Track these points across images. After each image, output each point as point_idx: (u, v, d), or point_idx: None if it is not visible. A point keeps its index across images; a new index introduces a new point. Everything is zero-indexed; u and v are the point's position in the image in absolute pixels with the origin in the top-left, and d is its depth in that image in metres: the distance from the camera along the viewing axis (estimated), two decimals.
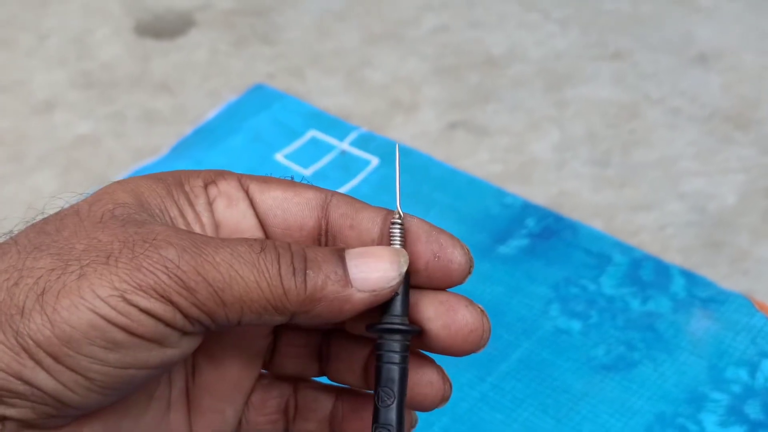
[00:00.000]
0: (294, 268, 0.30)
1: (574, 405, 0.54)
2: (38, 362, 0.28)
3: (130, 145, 0.76)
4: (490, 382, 0.56)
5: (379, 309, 0.32)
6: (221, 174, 0.34)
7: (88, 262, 0.28)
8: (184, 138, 0.75)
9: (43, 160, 0.75)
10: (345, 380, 0.36)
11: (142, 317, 0.28)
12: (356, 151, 0.72)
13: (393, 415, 0.31)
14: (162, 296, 0.28)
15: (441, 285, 0.33)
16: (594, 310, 0.59)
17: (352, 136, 0.73)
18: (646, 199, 0.69)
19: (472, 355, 0.57)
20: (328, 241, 0.33)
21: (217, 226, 0.33)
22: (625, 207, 0.68)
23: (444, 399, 0.34)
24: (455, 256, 0.32)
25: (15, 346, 0.28)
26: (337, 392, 0.36)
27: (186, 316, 0.29)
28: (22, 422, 0.29)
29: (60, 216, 0.31)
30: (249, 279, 0.29)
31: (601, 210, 0.68)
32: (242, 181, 0.34)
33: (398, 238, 0.32)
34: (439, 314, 0.32)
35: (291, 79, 0.83)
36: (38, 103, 0.81)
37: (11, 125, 0.79)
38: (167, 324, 0.29)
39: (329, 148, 0.73)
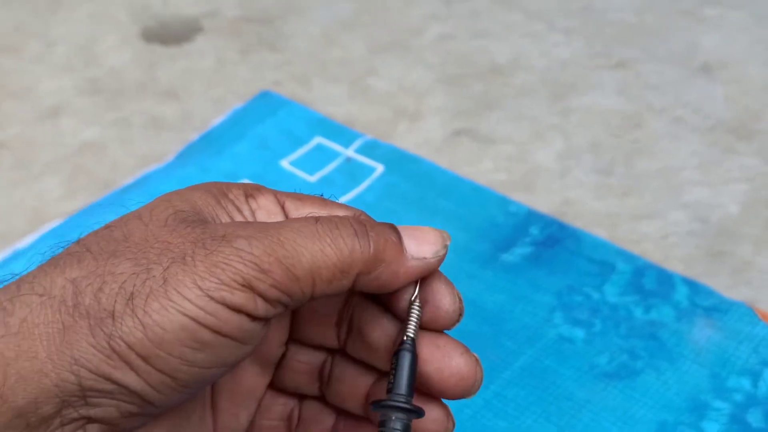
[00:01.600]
0: (355, 230, 0.32)
1: (577, 413, 0.55)
2: (129, 363, 0.29)
3: (136, 152, 0.77)
4: (493, 390, 0.56)
5: (387, 387, 0.33)
6: (258, 188, 0.35)
7: (168, 264, 0.29)
8: (190, 144, 0.75)
9: (49, 166, 0.75)
10: (344, 404, 0.36)
11: (229, 314, 0.29)
12: (361, 158, 0.72)
13: None
14: (243, 285, 0.29)
15: (427, 327, 0.34)
16: (597, 319, 0.60)
17: (358, 143, 0.74)
18: (649, 208, 0.69)
19: None
20: None
21: None
22: (629, 216, 0.69)
23: None
24: (443, 304, 0.34)
25: (106, 348, 0.28)
26: (339, 409, 0.37)
27: (266, 299, 0.30)
28: (104, 422, 0.29)
29: (123, 222, 0.32)
30: (315, 249, 0.31)
31: (604, 218, 0.69)
32: (278, 196, 0.35)
33: (414, 321, 0.33)
34: (434, 358, 0.33)
35: (297, 86, 0.83)
36: (45, 110, 0.81)
37: (18, 131, 0.80)
38: (250, 315, 0.30)
39: (335, 155, 0.73)
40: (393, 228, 0.33)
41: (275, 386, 0.37)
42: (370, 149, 0.73)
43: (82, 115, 0.81)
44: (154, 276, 0.29)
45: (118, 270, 0.29)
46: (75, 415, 0.29)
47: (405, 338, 0.33)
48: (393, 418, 0.32)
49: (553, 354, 0.58)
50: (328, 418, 0.37)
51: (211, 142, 0.75)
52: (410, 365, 0.32)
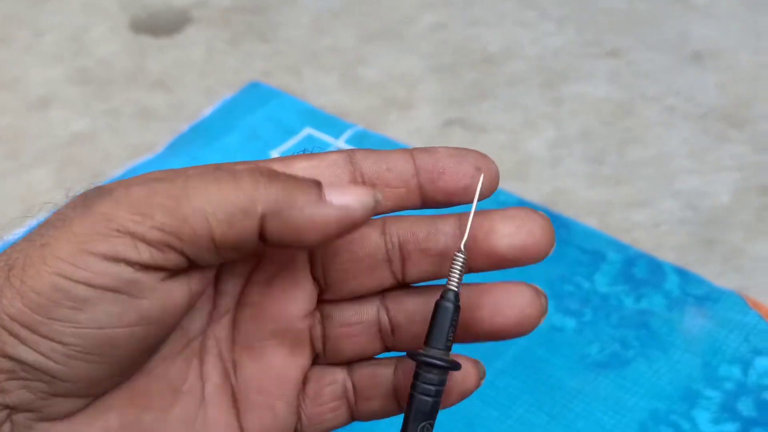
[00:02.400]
0: (261, 172, 0.29)
1: (568, 402, 0.55)
2: (15, 336, 0.28)
3: (126, 142, 0.76)
4: (485, 379, 0.56)
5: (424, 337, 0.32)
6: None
7: (48, 231, 0.29)
8: (180, 135, 0.75)
9: (39, 157, 0.75)
10: (415, 345, 0.34)
11: (103, 265, 0.28)
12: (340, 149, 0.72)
13: None
14: (118, 231, 0.28)
15: (485, 196, 0.33)
16: (588, 308, 0.60)
17: (348, 133, 0.74)
18: (640, 196, 0.69)
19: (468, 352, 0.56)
20: None
21: None
22: (620, 205, 0.69)
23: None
24: (491, 164, 0.33)
25: None
26: (396, 361, 0.35)
27: (149, 243, 0.28)
28: (26, 409, 0.29)
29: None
30: (209, 187, 0.28)
31: (595, 207, 0.68)
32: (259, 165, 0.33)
33: (456, 275, 0.32)
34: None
35: (287, 76, 0.83)
36: (34, 100, 0.81)
37: (7, 122, 0.79)
38: (132, 263, 0.28)
39: (325, 145, 0.73)
40: (314, 181, 0.29)
41: (330, 361, 0.34)
42: (360, 139, 0.73)
43: (71, 106, 0.80)
44: (34, 244, 0.28)
45: (18, 246, 0.29)
46: (0, 409, 0.28)
47: (447, 290, 0.32)
48: (428, 372, 0.32)
49: (545, 344, 0.58)
50: (385, 377, 0.34)
51: (201, 132, 0.75)
52: (451, 318, 0.31)
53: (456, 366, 0.32)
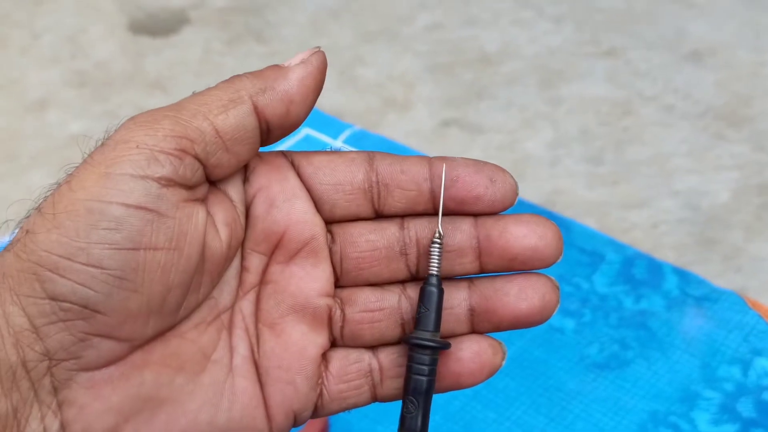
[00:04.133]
0: (234, 78, 0.32)
1: (567, 404, 0.54)
2: (53, 268, 0.29)
3: None
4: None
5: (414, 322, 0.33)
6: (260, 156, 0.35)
7: (70, 172, 0.30)
8: None
9: (36, 159, 0.75)
10: (447, 329, 0.35)
11: (130, 182, 0.29)
12: (350, 149, 0.72)
13: (417, 424, 0.33)
14: (137, 147, 0.30)
15: (499, 209, 0.34)
16: (587, 309, 0.59)
17: (346, 133, 0.73)
18: (639, 196, 0.69)
19: None
20: (380, 190, 0.34)
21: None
22: (619, 205, 0.68)
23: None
24: (507, 178, 0.34)
25: (31, 266, 0.29)
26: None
27: (167, 152, 0.30)
28: (66, 357, 0.29)
29: None
30: (200, 96, 0.31)
31: (594, 208, 0.68)
32: (286, 154, 0.35)
33: (436, 260, 0.33)
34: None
35: None
36: (32, 102, 0.81)
37: (5, 124, 0.79)
38: (155, 178, 0.30)
39: (323, 146, 0.72)
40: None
41: (348, 344, 0.35)
42: (359, 140, 0.73)
43: (69, 108, 0.80)
44: (60, 185, 0.30)
45: (43, 195, 0.30)
46: (40, 360, 0.29)
47: (429, 275, 0.33)
48: (421, 353, 0.33)
49: (543, 344, 0.58)
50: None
51: None
52: (437, 301, 0.33)
53: (446, 345, 0.33)
